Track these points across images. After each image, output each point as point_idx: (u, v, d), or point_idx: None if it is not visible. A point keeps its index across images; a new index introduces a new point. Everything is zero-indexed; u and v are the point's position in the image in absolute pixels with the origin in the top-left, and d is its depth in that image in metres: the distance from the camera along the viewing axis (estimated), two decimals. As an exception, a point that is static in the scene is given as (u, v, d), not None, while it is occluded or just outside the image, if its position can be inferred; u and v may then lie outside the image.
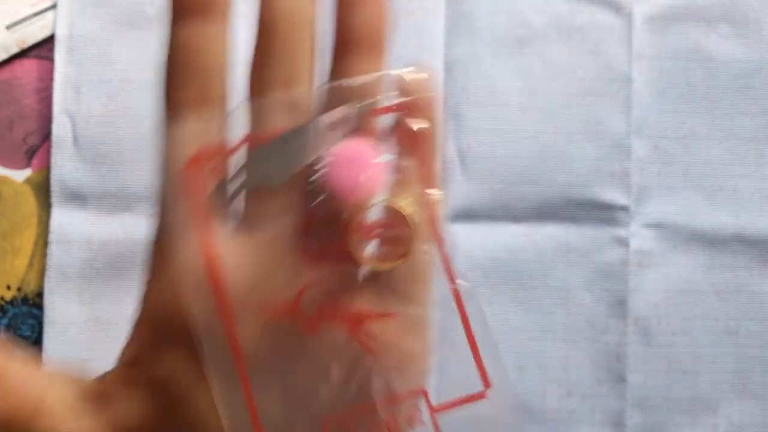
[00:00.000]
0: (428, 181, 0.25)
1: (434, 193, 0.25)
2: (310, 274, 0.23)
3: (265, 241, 0.23)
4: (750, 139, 0.70)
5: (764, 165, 0.70)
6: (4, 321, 0.66)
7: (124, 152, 0.66)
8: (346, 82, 0.25)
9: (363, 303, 0.24)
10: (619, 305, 0.68)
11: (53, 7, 0.67)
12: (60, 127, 0.66)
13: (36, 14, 0.67)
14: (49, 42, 0.67)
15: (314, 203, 0.23)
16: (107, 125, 0.66)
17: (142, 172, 0.66)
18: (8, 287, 0.66)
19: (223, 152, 0.25)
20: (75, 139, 0.66)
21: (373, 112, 0.24)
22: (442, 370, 0.23)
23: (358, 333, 0.23)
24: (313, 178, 0.23)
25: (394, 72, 0.26)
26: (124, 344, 0.26)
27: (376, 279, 0.24)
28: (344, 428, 0.23)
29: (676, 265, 0.68)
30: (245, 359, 0.23)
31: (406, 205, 0.24)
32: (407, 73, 0.26)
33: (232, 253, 0.23)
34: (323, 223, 0.23)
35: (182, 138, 0.25)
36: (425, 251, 0.24)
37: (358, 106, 0.24)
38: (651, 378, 0.68)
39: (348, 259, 0.23)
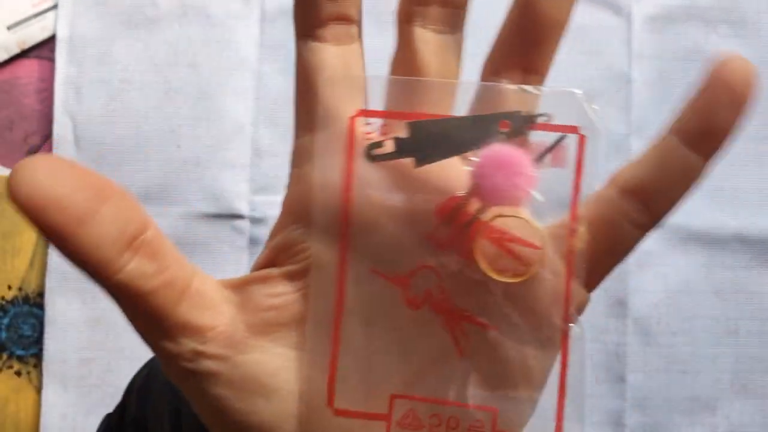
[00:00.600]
0: (574, 212, 0.24)
1: (579, 226, 0.24)
2: (431, 257, 0.23)
3: (401, 206, 0.23)
4: (749, 140, 0.70)
5: (764, 165, 0.70)
6: (5, 320, 0.66)
7: (125, 152, 0.66)
8: (517, 87, 0.25)
9: (470, 304, 0.24)
10: (619, 305, 0.68)
11: (54, 7, 0.67)
12: (61, 127, 0.66)
13: (37, 15, 0.67)
14: (49, 42, 0.67)
15: (457, 193, 0.23)
16: (108, 125, 0.66)
17: (143, 173, 0.66)
18: (9, 287, 0.66)
19: (383, 115, 0.25)
20: (76, 139, 0.66)
21: (535, 125, 0.23)
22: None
23: (454, 329, 0.23)
24: (466, 169, 0.22)
25: (566, 90, 0.26)
26: (270, 233, 0.26)
27: (490, 286, 0.23)
28: (409, 414, 0.23)
29: (675, 265, 0.69)
30: (344, 301, 0.23)
31: (543, 227, 0.23)
32: (579, 96, 0.26)
33: (369, 189, 0.23)
34: (459, 215, 0.23)
35: (323, 64, 0.25)
36: (548, 279, 0.23)
37: (523, 114, 0.23)
38: (650, 378, 0.68)
39: (470, 257, 0.22)
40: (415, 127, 0.23)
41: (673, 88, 0.69)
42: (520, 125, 0.22)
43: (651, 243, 0.68)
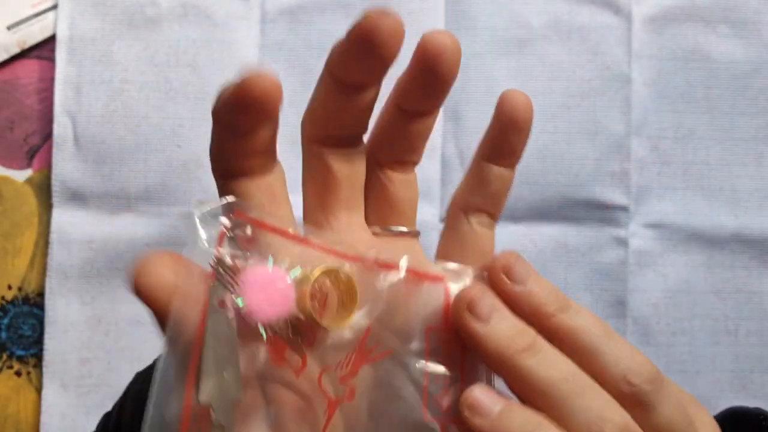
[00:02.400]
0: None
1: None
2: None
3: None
4: (749, 140, 0.70)
5: (763, 165, 0.70)
6: (6, 320, 0.66)
7: (125, 152, 0.66)
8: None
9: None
10: (619, 305, 0.68)
11: (54, 7, 0.67)
12: (61, 128, 0.66)
13: (37, 15, 0.67)
14: (49, 42, 0.67)
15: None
16: (108, 125, 0.66)
17: (143, 173, 0.66)
18: (9, 287, 0.66)
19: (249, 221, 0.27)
20: (76, 139, 0.66)
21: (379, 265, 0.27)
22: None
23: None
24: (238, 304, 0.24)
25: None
26: None
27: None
28: None
29: (675, 265, 0.69)
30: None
31: (346, 270, 0.26)
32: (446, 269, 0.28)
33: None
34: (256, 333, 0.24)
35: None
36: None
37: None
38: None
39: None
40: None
41: (673, 88, 0.69)
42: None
43: (651, 243, 0.68)
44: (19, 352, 0.66)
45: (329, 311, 0.25)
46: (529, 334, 0.26)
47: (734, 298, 0.69)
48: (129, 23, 0.67)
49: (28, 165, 0.67)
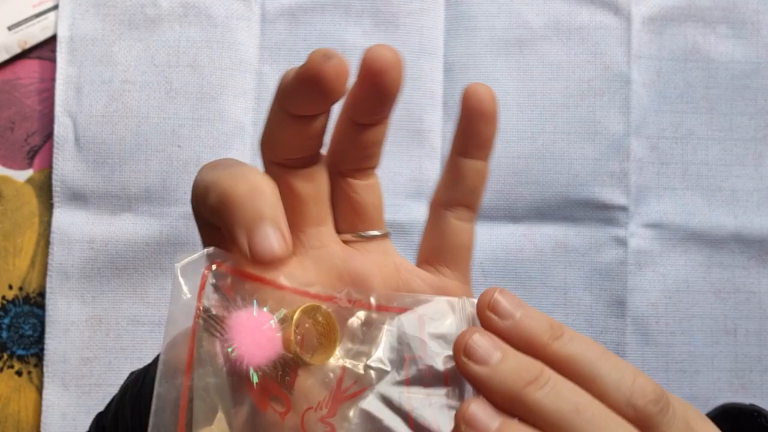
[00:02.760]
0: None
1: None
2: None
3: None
4: (748, 140, 0.70)
5: (762, 165, 0.70)
6: (6, 320, 0.66)
7: (126, 152, 0.66)
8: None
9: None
10: (618, 305, 0.68)
11: (55, 8, 0.67)
12: (62, 128, 0.66)
13: (37, 15, 0.68)
14: (50, 43, 0.68)
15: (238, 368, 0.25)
16: (109, 125, 0.66)
17: (143, 173, 0.66)
18: (10, 287, 0.67)
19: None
20: (76, 139, 0.66)
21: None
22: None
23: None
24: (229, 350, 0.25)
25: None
26: None
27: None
28: None
29: (674, 265, 0.69)
30: None
31: (324, 309, 0.27)
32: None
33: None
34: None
35: None
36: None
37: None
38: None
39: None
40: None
41: (672, 88, 0.69)
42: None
43: (650, 243, 0.69)
44: (20, 352, 0.66)
45: (310, 349, 0.26)
46: (535, 366, 0.26)
47: (733, 298, 0.69)
48: (130, 23, 0.67)
49: (29, 165, 0.67)
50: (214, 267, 0.25)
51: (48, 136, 0.67)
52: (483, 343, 0.26)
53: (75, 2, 0.67)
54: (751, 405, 0.47)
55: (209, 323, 0.24)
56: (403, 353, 0.26)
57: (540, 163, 0.68)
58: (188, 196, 0.67)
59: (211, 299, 0.25)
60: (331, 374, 0.25)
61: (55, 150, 0.66)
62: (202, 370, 0.24)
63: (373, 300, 0.27)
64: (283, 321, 0.25)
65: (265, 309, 0.25)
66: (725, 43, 0.70)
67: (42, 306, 0.66)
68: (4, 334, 0.66)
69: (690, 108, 0.70)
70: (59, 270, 0.66)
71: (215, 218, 0.28)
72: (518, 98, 0.69)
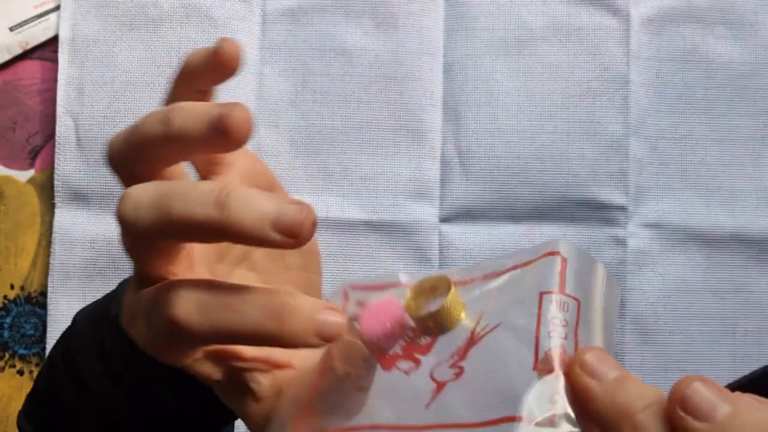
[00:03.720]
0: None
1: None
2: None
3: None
4: (747, 140, 0.70)
5: (761, 165, 0.70)
6: (8, 319, 0.67)
7: (127, 153, 0.66)
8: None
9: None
10: (617, 304, 0.68)
11: (56, 8, 0.68)
12: (63, 128, 0.67)
13: (39, 16, 0.68)
14: (52, 43, 0.68)
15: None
16: (110, 126, 0.67)
17: (145, 173, 0.66)
18: (12, 286, 0.67)
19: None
20: (78, 139, 0.67)
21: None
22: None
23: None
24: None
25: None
26: None
27: None
28: None
29: (673, 265, 0.69)
30: None
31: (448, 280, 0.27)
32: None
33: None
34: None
35: None
36: None
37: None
38: (648, 377, 0.68)
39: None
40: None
41: (671, 88, 0.70)
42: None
43: (649, 243, 0.69)
44: (22, 351, 0.67)
45: (439, 318, 0.27)
46: None
47: (732, 298, 0.69)
48: (131, 24, 0.67)
49: (31, 165, 0.68)
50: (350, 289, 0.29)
51: (49, 136, 0.67)
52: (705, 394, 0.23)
53: (76, 3, 0.67)
54: None
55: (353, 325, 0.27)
56: (539, 289, 0.25)
57: (539, 163, 0.68)
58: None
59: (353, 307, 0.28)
60: (467, 328, 0.26)
61: (56, 150, 0.66)
62: (348, 349, 0.27)
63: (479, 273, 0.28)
64: (409, 297, 0.27)
65: (396, 294, 0.28)
66: (724, 43, 0.70)
67: (43, 305, 0.66)
68: (6, 334, 0.66)
69: (689, 108, 0.70)
70: (61, 270, 0.66)
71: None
72: (517, 98, 0.69)
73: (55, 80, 0.67)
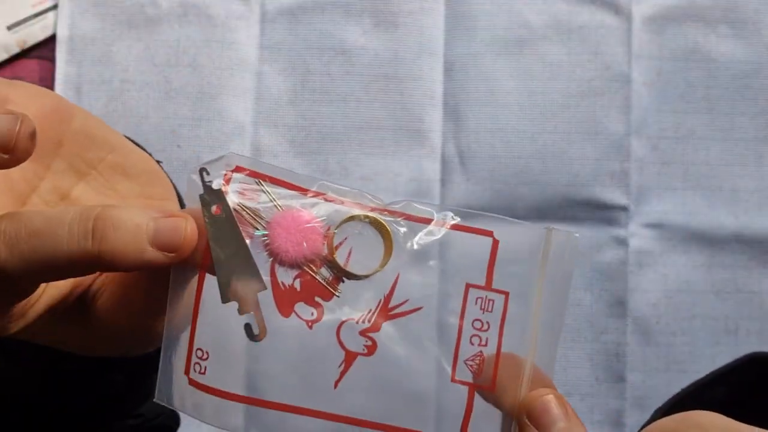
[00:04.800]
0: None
1: None
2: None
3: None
4: (749, 140, 0.70)
5: (763, 165, 0.70)
6: None
7: (125, 152, 0.66)
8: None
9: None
10: (619, 305, 0.68)
11: (54, 7, 0.67)
12: (61, 128, 0.66)
13: (37, 15, 0.67)
14: (50, 42, 0.68)
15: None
16: (108, 125, 0.66)
17: (143, 172, 0.66)
18: (9, 287, 0.66)
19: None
20: (76, 139, 0.66)
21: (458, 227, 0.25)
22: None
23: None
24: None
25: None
26: None
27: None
28: None
29: (675, 265, 0.69)
30: None
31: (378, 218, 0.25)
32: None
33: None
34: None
35: None
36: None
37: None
38: (650, 377, 0.68)
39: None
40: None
41: (673, 88, 0.69)
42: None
43: (651, 243, 0.68)
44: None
45: (356, 260, 0.24)
46: None
47: (734, 298, 0.69)
48: (129, 23, 0.67)
49: (28, 165, 0.67)
50: (235, 171, 0.25)
51: (47, 135, 0.67)
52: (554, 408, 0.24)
53: (74, 2, 0.67)
54: None
55: (243, 213, 0.24)
56: (465, 279, 0.24)
57: (540, 162, 0.68)
58: (188, 196, 0.67)
59: (233, 197, 0.24)
60: (381, 287, 0.24)
61: (54, 150, 0.66)
62: (215, 227, 0.24)
63: (443, 217, 0.26)
64: (330, 226, 0.24)
65: (311, 210, 0.24)
66: (726, 42, 0.70)
67: (41, 306, 0.66)
68: (4, 335, 0.66)
69: (691, 108, 0.69)
70: (58, 270, 0.65)
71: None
72: (518, 98, 0.69)
73: (53, 79, 0.67)
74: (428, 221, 0.26)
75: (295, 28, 0.68)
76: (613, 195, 0.68)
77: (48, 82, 0.67)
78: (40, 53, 0.68)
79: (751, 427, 0.23)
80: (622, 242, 0.68)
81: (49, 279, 0.25)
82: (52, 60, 0.67)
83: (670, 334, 0.68)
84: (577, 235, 0.24)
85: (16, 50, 0.67)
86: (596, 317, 0.68)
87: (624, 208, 0.68)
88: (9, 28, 0.67)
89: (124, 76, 0.67)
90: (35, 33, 0.67)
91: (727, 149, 0.70)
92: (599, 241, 0.68)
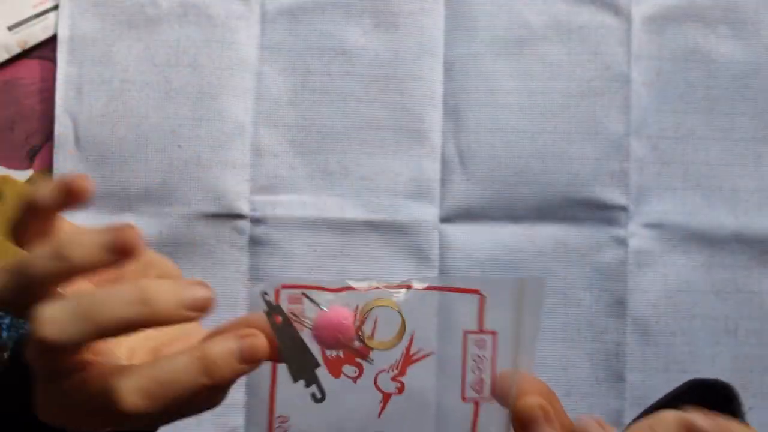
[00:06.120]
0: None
1: None
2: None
3: None
4: (748, 140, 0.70)
5: (763, 165, 0.70)
6: (7, 320, 0.66)
7: (126, 152, 0.66)
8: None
9: None
10: (618, 305, 0.68)
11: (55, 8, 0.68)
12: (62, 128, 0.66)
13: (38, 15, 0.68)
14: (50, 43, 0.68)
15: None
16: (109, 125, 0.66)
17: (143, 173, 0.66)
18: (10, 287, 0.67)
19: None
20: (77, 139, 0.66)
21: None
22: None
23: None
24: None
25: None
26: None
27: None
28: None
29: (674, 265, 0.69)
30: None
31: (393, 302, 0.33)
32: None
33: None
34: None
35: None
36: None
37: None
38: (650, 377, 0.68)
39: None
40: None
41: (673, 88, 0.70)
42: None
43: (650, 243, 0.69)
44: (20, 352, 0.66)
45: (382, 333, 0.32)
46: None
47: (734, 298, 0.69)
48: (129, 23, 0.67)
49: (29, 165, 0.67)
50: (281, 288, 0.33)
51: (48, 136, 0.67)
52: None
53: (75, 2, 0.67)
54: (714, 379, 0.49)
55: (295, 318, 0.32)
56: (463, 327, 0.32)
57: (540, 162, 0.68)
58: (189, 196, 0.67)
59: (283, 306, 0.33)
60: (403, 344, 0.32)
61: (55, 150, 0.66)
62: (282, 334, 0.32)
63: (435, 282, 0.33)
64: (356, 315, 0.32)
65: (344, 307, 0.33)
66: (725, 43, 0.70)
67: (42, 306, 0.66)
68: (5, 334, 0.66)
69: (690, 108, 0.70)
70: (59, 270, 0.66)
71: None
72: (518, 98, 0.69)
73: (54, 80, 0.67)
74: (429, 288, 0.33)
75: (295, 28, 0.69)
76: (613, 195, 0.68)
77: (49, 82, 0.67)
78: (41, 53, 0.68)
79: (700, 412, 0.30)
80: (622, 242, 0.68)
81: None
82: (52, 60, 0.67)
83: (670, 334, 0.68)
84: (544, 279, 0.33)
85: (17, 50, 0.67)
86: (596, 317, 0.68)
87: (624, 208, 0.68)
88: (10, 28, 0.67)
89: (124, 76, 0.67)
90: (36, 33, 0.68)
91: (727, 149, 0.70)
92: (599, 241, 0.68)
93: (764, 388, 0.69)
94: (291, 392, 0.32)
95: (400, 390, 0.32)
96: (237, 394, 0.67)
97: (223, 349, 0.30)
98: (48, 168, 0.67)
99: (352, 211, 0.68)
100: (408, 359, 0.32)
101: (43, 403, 0.33)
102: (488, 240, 0.68)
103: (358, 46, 0.68)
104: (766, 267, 0.69)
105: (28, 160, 0.68)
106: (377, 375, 0.32)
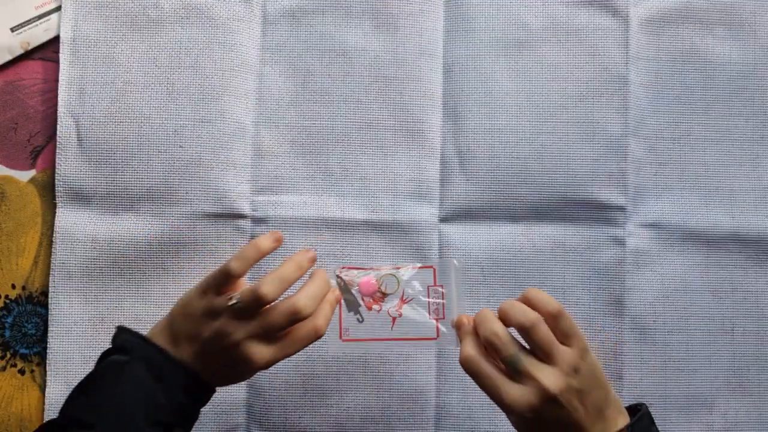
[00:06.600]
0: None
1: None
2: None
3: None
4: (745, 141, 0.70)
5: (759, 166, 0.70)
6: (9, 319, 0.67)
7: (128, 153, 0.67)
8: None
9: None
10: (616, 304, 0.68)
11: (57, 9, 0.68)
12: (64, 128, 0.67)
13: (40, 16, 0.68)
14: (53, 44, 0.68)
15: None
16: (111, 126, 0.67)
17: (145, 173, 0.67)
18: (13, 286, 0.67)
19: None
20: (79, 140, 0.67)
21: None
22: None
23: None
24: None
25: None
26: None
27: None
28: None
29: (672, 265, 0.69)
30: None
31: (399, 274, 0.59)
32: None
33: None
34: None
35: None
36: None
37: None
38: (647, 376, 0.68)
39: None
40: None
41: (670, 89, 0.70)
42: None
43: (648, 243, 0.69)
44: (23, 351, 0.67)
45: (389, 290, 0.58)
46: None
47: (731, 298, 0.69)
48: (132, 25, 0.68)
49: (32, 165, 0.68)
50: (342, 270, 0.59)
51: (51, 136, 0.68)
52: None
53: (77, 4, 0.68)
54: (637, 404, 0.54)
55: (345, 284, 0.58)
56: (426, 284, 0.58)
57: (538, 163, 0.69)
58: (190, 196, 0.68)
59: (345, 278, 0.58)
60: (399, 294, 0.58)
61: (57, 150, 0.67)
62: (346, 293, 0.58)
63: (415, 264, 0.59)
64: (377, 280, 0.58)
65: (373, 276, 0.58)
66: (722, 44, 0.70)
67: (45, 305, 0.67)
68: (8, 333, 0.67)
69: (687, 109, 0.70)
70: (62, 269, 0.66)
71: None
72: (517, 99, 0.69)
73: (56, 81, 0.67)
74: (415, 267, 0.58)
75: (296, 30, 0.69)
76: (611, 195, 0.69)
77: (51, 83, 0.68)
78: (44, 55, 0.68)
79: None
80: (620, 242, 0.69)
81: None
82: (55, 61, 0.68)
83: (667, 333, 0.69)
84: (456, 262, 0.58)
85: (19, 52, 0.68)
86: (594, 316, 0.68)
87: (621, 208, 0.69)
88: (12, 29, 0.67)
89: (126, 77, 0.67)
90: (38, 35, 0.68)
91: (724, 150, 0.70)
92: (597, 240, 0.69)
93: (761, 387, 0.69)
94: (349, 318, 0.57)
95: (400, 315, 0.57)
96: (238, 393, 0.67)
97: (317, 297, 0.53)
98: (51, 168, 0.67)
99: (352, 211, 0.68)
100: (402, 301, 0.57)
101: (208, 365, 0.53)
102: (487, 240, 0.68)
103: (359, 48, 0.69)
104: (763, 266, 0.70)
105: (30, 161, 0.68)
106: (388, 310, 0.58)
